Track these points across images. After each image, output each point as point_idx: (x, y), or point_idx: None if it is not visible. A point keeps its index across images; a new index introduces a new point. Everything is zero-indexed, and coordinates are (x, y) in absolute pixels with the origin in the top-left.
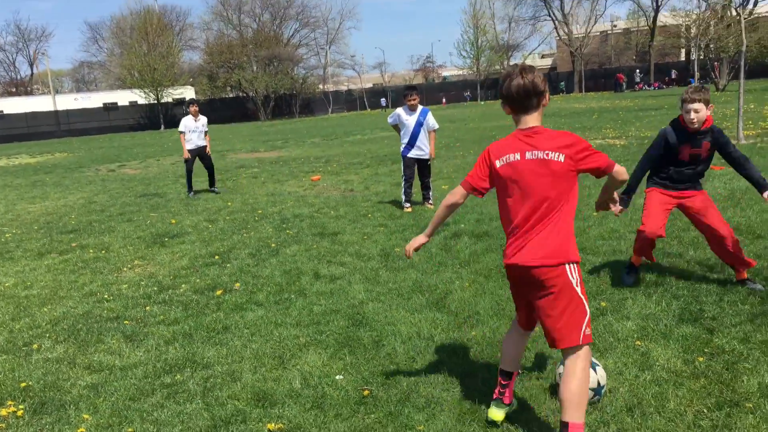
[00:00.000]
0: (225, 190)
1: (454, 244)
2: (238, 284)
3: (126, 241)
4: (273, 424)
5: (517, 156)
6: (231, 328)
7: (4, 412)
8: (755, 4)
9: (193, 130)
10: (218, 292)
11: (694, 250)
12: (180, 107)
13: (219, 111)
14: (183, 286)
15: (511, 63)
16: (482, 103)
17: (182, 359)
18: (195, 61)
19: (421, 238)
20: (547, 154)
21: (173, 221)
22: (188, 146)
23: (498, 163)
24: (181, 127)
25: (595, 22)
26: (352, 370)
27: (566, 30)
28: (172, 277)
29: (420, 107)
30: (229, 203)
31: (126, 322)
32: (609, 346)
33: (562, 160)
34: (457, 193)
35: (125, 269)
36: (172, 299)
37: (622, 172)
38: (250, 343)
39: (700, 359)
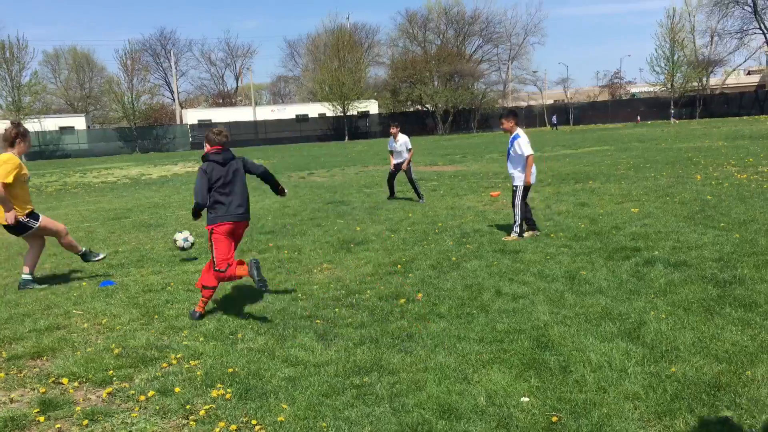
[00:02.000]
0: (422, 201)
1: (646, 271)
2: (420, 294)
3: (316, 244)
4: None
5: None
6: (415, 337)
7: (214, 393)
8: None
9: (393, 149)
10: (401, 301)
11: None
12: (364, 120)
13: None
14: (368, 291)
15: (711, 80)
16: (674, 122)
17: (370, 362)
18: (380, 76)
19: None
20: None
21: (358, 228)
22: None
23: None
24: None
25: None
26: (538, 394)
27: None
28: (358, 282)
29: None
30: (410, 214)
31: (318, 321)
32: None
33: None
34: None
35: (315, 271)
36: (358, 303)
37: None
38: (434, 354)
39: None
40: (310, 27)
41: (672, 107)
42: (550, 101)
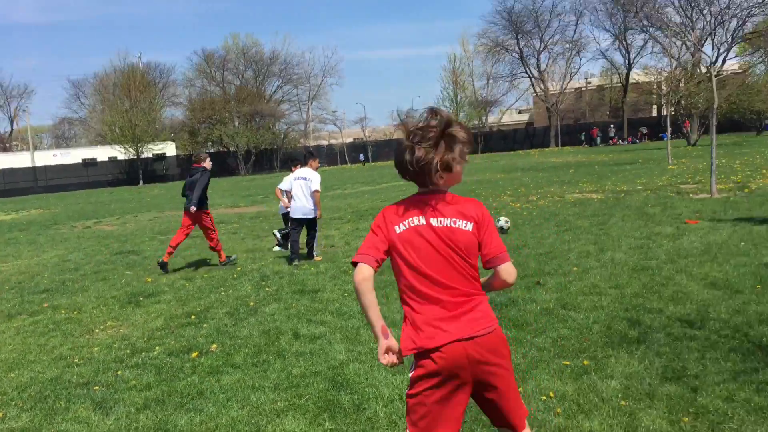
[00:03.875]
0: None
1: None
2: (214, 345)
3: (99, 300)
4: None
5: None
6: (206, 393)
7: None
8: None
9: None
10: (194, 355)
11: (674, 305)
12: (160, 162)
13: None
14: (157, 348)
15: (490, 118)
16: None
17: (153, 428)
18: (177, 117)
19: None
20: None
21: (149, 279)
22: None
23: None
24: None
25: (570, 79)
26: None
27: (542, 87)
28: (146, 338)
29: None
30: (208, 260)
31: (96, 388)
32: (594, 406)
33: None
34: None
35: (97, 330)
36: (145, 363)
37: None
38: (226, 409)
39: (686, 420)
40: (97, 66)
41: None
42: (350, 139)
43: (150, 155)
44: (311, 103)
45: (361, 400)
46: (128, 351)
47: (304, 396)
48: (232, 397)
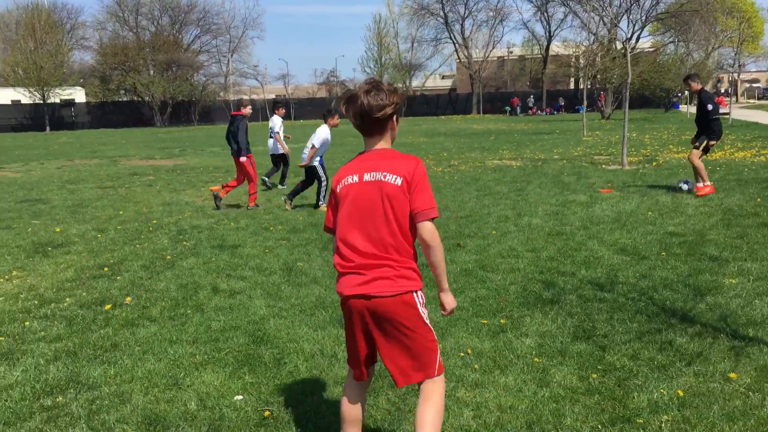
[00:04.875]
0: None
1: None
2: (129, 298)
3: (4, 249)
4: None
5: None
6: (120, 346)
7: None
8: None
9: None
10: (107, 307)
11: (586, 269)
12: (68, 108)
13: (112, 115)
14: (67, 299)
15: (414, 82)
16: None
17: (65, 379)
18: (87, 62)
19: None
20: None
21: (58, 229)
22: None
23: None
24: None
25: (493, 48)
26: (252, 390)
27: (466, 53)
28: (55, 289)
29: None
30: (121, 212)
31: (1, 338)
32: (509, 362)
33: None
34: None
35: (1, 280)
36: (54, 314)
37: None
38: (142, 362)
39: (594, 376)
40: None
41: None
42: (272, 96)
43: (57, 101)
44: (231, 55)
45: (282, 354)
46: (36, 302)
47: (224, 350)
48: (149, 350)
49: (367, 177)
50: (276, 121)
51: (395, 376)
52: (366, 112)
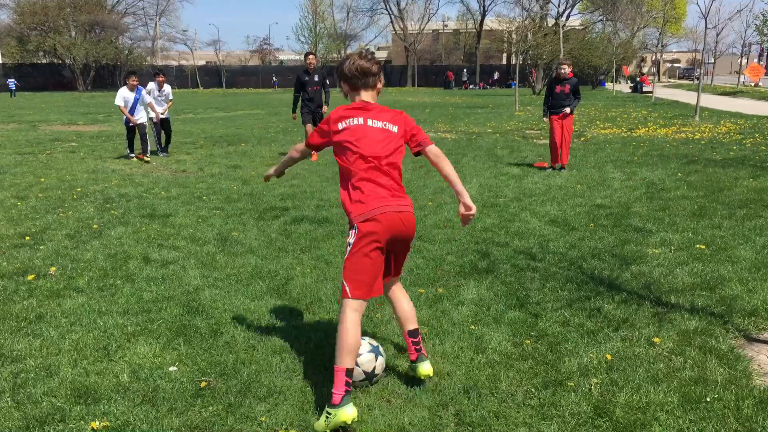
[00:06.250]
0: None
1: (294, 229)
2: (53, 268)
3: None
4: (97, 422)
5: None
6: (46, 317)
7: None
8: (568, 18)
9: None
10: (30, 277)
11: (519, 239)
12: None
13: (30, 77)
14: None
15: (348, 52)
16: None
17: None
18: (2, 21)
19: (270, 171)
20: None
21: None
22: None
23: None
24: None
25: (428, 20)
26: (187, 361)
27: (401, 25)
28: None
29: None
30: (42, 179)
31: None
32: (446, 330)
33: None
34: (300, 149)
35: None
36: None
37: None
38: (69, 333)
39: (527, 342)
40: None
41: None
42: (202, 62)
43: None
44: (159, 19)
45: (218, 324)
46: None
47: (157, 321)
48: (76, 322)
49: (371, 122)
50: (152, 87)
51: (395, 270)
52: (366, 69)
